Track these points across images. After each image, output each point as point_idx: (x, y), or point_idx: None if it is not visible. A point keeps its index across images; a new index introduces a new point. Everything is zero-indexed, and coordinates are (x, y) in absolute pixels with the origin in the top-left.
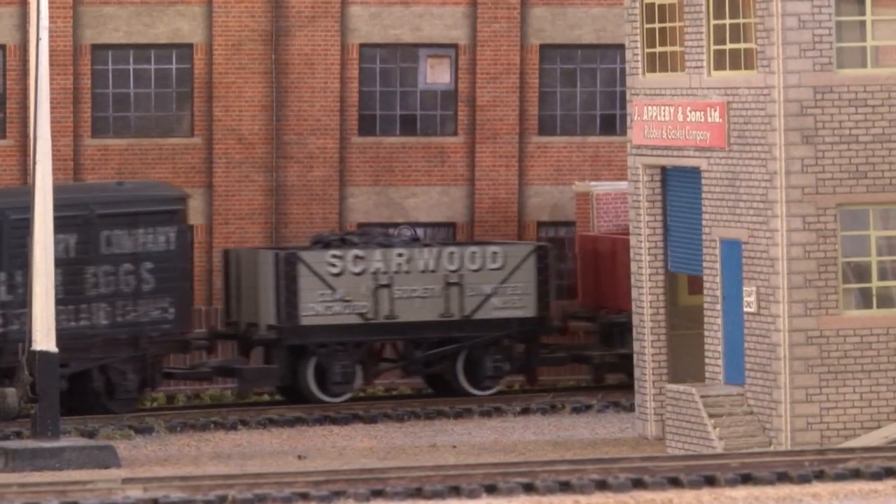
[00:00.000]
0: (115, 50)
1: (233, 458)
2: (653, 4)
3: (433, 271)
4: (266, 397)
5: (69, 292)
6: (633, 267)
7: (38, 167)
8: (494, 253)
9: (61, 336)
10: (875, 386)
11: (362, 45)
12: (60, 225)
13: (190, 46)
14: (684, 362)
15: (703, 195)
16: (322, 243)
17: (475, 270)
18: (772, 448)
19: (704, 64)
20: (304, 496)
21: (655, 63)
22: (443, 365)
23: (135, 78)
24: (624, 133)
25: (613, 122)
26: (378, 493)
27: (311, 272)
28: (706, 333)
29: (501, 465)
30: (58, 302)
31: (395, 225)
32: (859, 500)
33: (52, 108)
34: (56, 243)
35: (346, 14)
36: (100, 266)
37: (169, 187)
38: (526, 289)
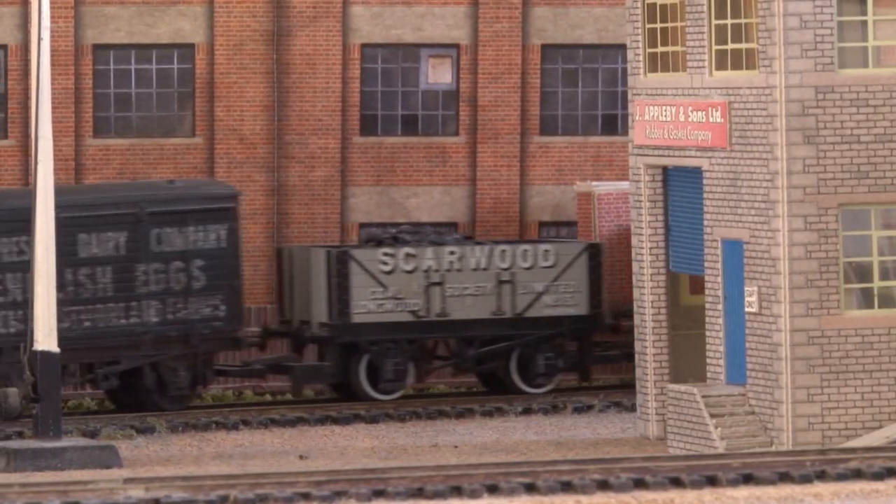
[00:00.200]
0: (117, 50)
1: (234, 458)
2: (654, 4)
3: (485, 269)
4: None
5: (119, 290)
6: (635, 267)
7: (39, 167)
8: (546, 251)
9: (112, 333)
10: (876, 386)
11: (364, 45)
12: (110, 223)
13: (191, 46)
14: (686, 362)
15: (705, 195)
16: (374, 241)
17: (527, 268)
18: (773, 448)
19: (706, 64)
20: (306, 496)
21: (657, 63)
22: (496, 363)
23: (136, 78)
24: (625, 133)
25: (615, 122)
26: (380, 493)
27: (362, 270)
28: (708, 333)
29: (503, 465)
30: (108, 300)
31: (397, 225)
32: (861, 500)
33: (54, 108)
34: (106, 241)
35: (348, 14)
36: (150, 264)
37: (220, 185)
38: (578, 287)
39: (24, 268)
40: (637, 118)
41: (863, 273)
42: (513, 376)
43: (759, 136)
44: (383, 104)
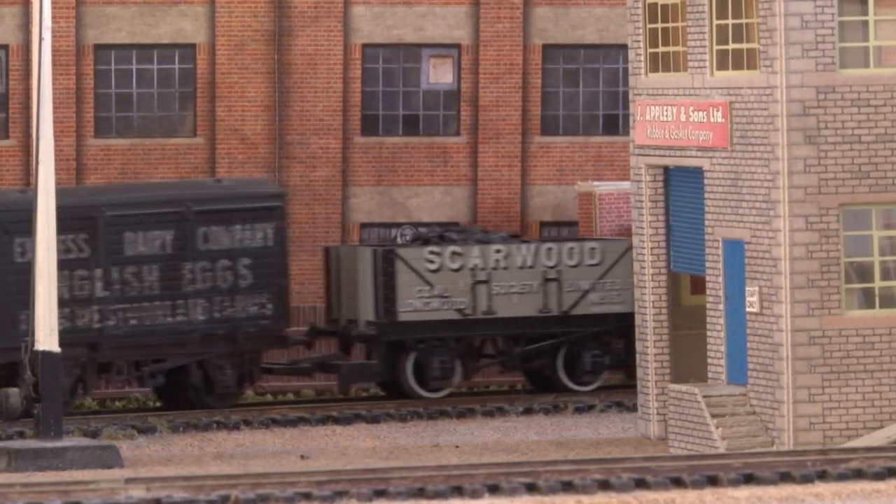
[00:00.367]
0: (118, 50)
1: (235, 457)
2: (655, 4)
3: (531, 267)
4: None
5: (166, 288)
6: (636, 267)
7: (40, 167)
8: (592, 249)
9: (158, 332)
10: (877, 386)
11: (365, 45)
12: (157, 222)
13: (193, 46)
14: (687, 362)
15: (706, 195)
16: (420, 240)
17: (573, 266)
18: (774, 448)
19: (707, 64)
20: (307, 496)
21: (658, 63)
22: (542, 360)
23: (137, 78)
24: (627, 133)
25: (616, 122)
26: (381, 493)
27: (408, 268)
28: (709, 333)
29: (504, 465)
30: (154, 298)
31: (398, 225)
32: (862, 500)
33: (55, 108)
34: (153, 240)
35: (349, 14)
36: (197, 262)
37: (268, 184)
38: (624, 284)
39: (70, 266)
40: (638, 118)
41: (864, 273)
42: (559, 374)
43: (761, 136)
44: (384, 104)
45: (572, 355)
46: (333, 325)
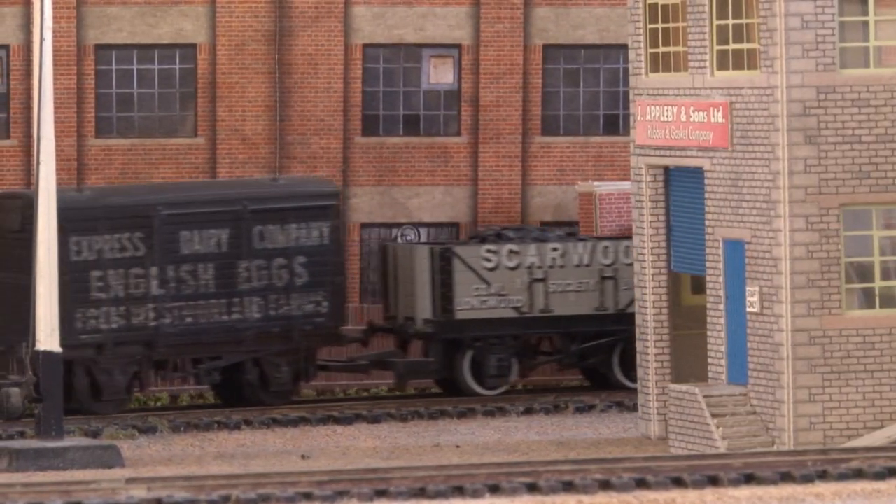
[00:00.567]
0: (119, 50)
1: (236, 457)
2: (656, 5)
3: (587, 265)
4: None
5: (221, 286)
6: (636, 267)
7: (41, 167)
8: None
9: (214, 329)
10: (878, 386)
11: (366, 46)
12: (213, 220)
13: (193, 46)
14: (687, 362)
15: (706, 195)
16: (477, 238)
17: (629, 264)
18: (775, 448)
19: (707, 64)
20: (308, 496)
21: (658, 63)
22: (598, 358)
23: (138, 78)
24: (627, 133)
25: (617, 122)
26: (381, 493)
27: (466, 267)
28: (709, 333)
29: (505, 464)
30: (210, 296)
31: (398, 225)
32: (862, 500)
33: (56, 108)
34: (208, 238)
35: (350, 14)
36: (252, 260)
37: (323, 182)
38: None
39: (126, 264)
40: (639, 118)
41: (864, 273)
42: (614, 371)
43: (761, 137)
44: (385, 104)
45: (628, 353)
46: (390, 323)
